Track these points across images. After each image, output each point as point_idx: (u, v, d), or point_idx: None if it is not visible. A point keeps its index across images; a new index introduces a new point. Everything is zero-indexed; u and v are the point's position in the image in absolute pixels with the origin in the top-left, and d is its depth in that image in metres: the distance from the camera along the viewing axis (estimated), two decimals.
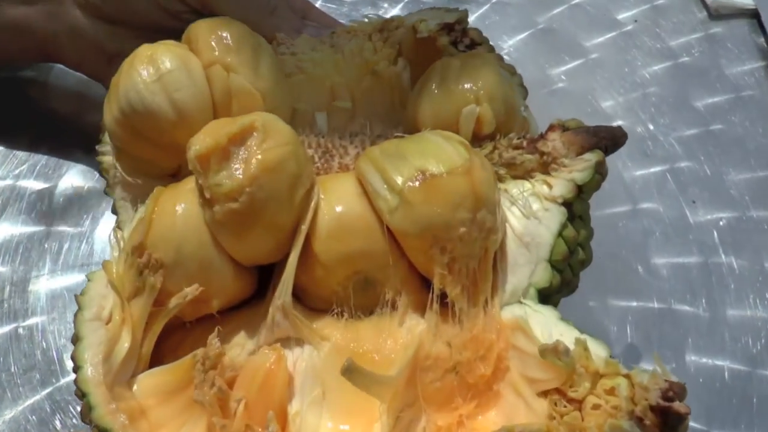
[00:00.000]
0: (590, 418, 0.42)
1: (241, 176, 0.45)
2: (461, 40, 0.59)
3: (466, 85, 0.54)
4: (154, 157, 0.53)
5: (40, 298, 0.63)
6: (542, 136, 0.53)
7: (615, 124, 0.70)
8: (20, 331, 0.61)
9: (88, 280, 0.50)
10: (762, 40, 0.83)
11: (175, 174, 0.55)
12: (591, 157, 0.51)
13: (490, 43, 0.61)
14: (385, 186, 0.47)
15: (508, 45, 0.81)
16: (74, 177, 0.72)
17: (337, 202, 0.49)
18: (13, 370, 0.59)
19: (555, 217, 0.51)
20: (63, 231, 0.68)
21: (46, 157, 0.73)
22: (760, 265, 0.63)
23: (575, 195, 0.51)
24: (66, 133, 0.74)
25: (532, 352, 0.46)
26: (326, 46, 0.61)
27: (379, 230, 0.48)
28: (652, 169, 0.71)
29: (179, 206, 0.47)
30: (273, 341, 0.49)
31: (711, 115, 0.76)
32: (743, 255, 0.64)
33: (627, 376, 0.42)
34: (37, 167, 0.72)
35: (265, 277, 0.51)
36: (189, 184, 0.49)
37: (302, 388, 0.47)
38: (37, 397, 0.58)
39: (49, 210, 0.69)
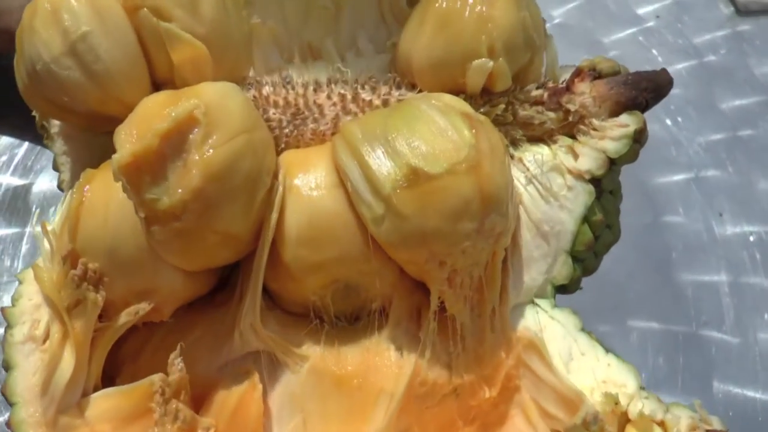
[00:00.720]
0: None
1: (181, 190, 0.35)
2: None
3: (479, 30, 0.40)
4: (81, 122, 0.44)
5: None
6: (568, 87, 0.43)
7: None
8: None
9: (19, 283, 0.42)
10: None
11: None
12: (629, 122, 0.41)
13: None
14: (369, 188, 0.37)
15: None
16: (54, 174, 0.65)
17: (309, 197, 0.38)
18: None
19: (580, 198, 0.41)
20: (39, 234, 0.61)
21: (24, 150, 0.65)
22: None
23: (607, 170, 0.42)
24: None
25: (547, 380, 0.39)
26: None
27: (358, 229, 0.38)
28: (676, 177, 0.64)
29: (111, 199, 0.38)
30: (243, 354, 0.41)
31: (739, 118, 0.68)
32: None
33: (661, 424, 0.35)
34: (14, 162, 0.65)
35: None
36: None
37: (279, 416, 0.40)
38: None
39: (25, 210, 0.62)
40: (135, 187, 0.36)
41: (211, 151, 0.36)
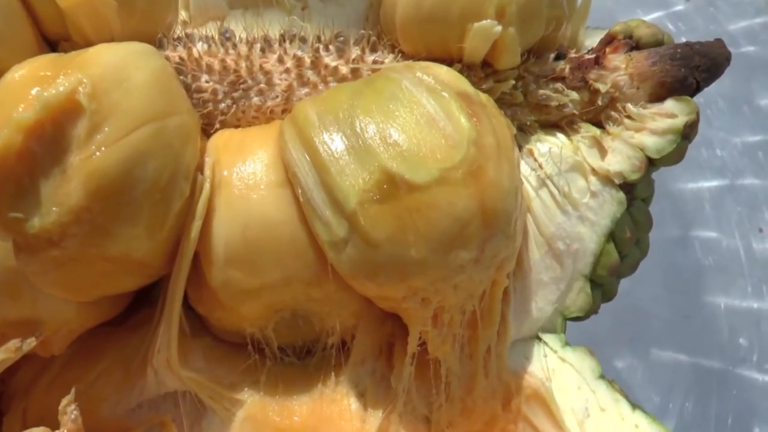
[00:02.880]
0: None
1: (57, 209, 0.25)
2: None
3: None
4: None
5: None
6: (598, 59, 0.32)
7: None
8: None
9: None
10: None
11: None
12: (677, 111, 0.31)
13: None
14: (327, 199, 0.26)
15: None
16: None
17: (244, 198, 0.28)
18: None
19: (606, 208, 0.32)
20: None
21: None
22: None
23: (643, 174, 0.32)
24: None
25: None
26: None
27: (311, 243, 0.28)
28: (707, 184, 0.56)
29: None
30: (160, 395, 0.32)
31: None
32: None
33: None
34: None
35: None
36: None
37: None
38: None
39: None
40: None
41: (99, 152, 0.25)
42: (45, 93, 0.25)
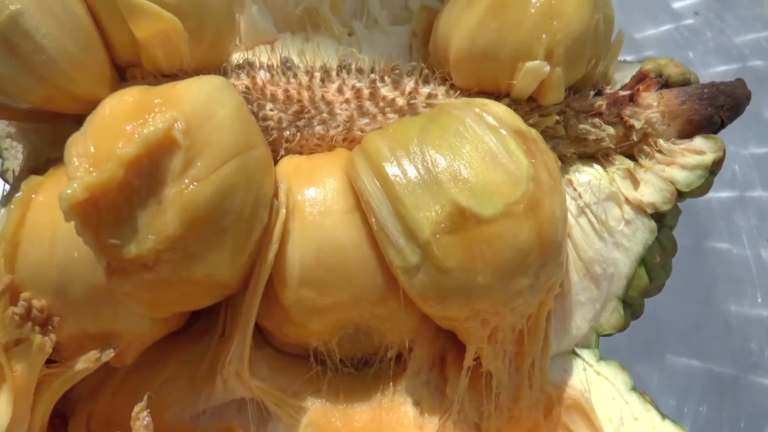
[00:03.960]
0: None
1: (154, 237, 0.27)
2: None
3: (540, 20, 0.32)
4: (25, 119, 0.35)
5: None
6: (632, 95, 0.35)
7: None
8: None
9: None
10: None
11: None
12: (705, 149, 0.34)
13: None
14: (401, 229, 0.29)
15: None
16: None
17: (317, 225, 0.30)
18: None
19: (639, 235, 0.35)
20: None
21: None
22: None
23: (673, 205, 0.35)
24: None
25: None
26: None
27: (378, 266, 0.31)
28: (719, 195, 0.59)
29: (59, 224, 0.30)
30: (225, 402, 0.34)
31: None
32: None
33: None
34: None
35: None
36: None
37: None
38: None
39: None
40: (92, 231, 0.27)
41: (193, 185, 0.27)
42: (144, 130, 0.27)
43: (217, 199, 0.28)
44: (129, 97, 0.30)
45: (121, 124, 0.28)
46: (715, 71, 0.67)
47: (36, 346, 0.32)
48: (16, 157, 0.39)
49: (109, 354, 0.32)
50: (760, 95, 0.66)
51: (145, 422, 0.33)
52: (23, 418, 0.33)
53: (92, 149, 0.27)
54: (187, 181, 0.28)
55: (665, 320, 0.53)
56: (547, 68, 0.33)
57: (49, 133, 0.37)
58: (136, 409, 0.33)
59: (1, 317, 0.32)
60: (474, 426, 0.33)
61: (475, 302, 0.29)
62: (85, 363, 0.33)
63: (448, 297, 0.29)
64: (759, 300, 0.54)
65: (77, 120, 0.34)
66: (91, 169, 0.27)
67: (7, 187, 0.40)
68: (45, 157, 0.37)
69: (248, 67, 0.36)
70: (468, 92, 0.35)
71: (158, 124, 0.27)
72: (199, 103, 0.29)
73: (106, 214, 0.28)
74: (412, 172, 0.29)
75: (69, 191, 0.27)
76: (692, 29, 0.71)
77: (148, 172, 0.27)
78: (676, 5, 0.73)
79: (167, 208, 0.27)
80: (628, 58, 0.70)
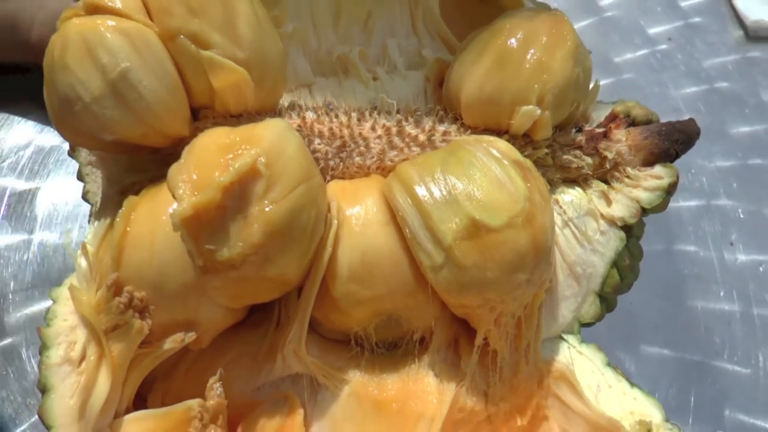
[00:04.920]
0: None
1: (242, 244, 0.36)
2: None
3: (532, 77, 0.42)
4: (116, 150, 0.43)
5: (18, 317, 0.56)
6: (605, 132, 0.45)
7: None
8: None
9: (52, 301, 0.42)
10: None
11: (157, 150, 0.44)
12: (663, 175, 0.44)
13: None
14: (429, 237, 0.38)
15: None
16: (60, 179, 0.63)
17: (361, 234, 0.40)
18: None
19: (611, 243, 0.44)
20: (46, 240, 0.60)
21: (31, 153, 0.65)
22: None
23: (638, 219, 0.44)
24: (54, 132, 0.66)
25: (578, 410, 0.42)
26: None
27: (409, 266, 0.40)
28: (688, 204, 0.65)
29: (156, 232, 0.38)
30: (282, 377, 0.43)
31: (749, 146, 0.70)
32: None
33: None
34: (20, 165, 0.64)
35: None
36: (166, 196, 0.38)
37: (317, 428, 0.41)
38: None
39: (31, 215, 0.61)
40: (194, 239, 0.35)
41: (272, 205, 0.36)
42: (236, 163, 0.35)
43: (290, 216, 0.36)
44: (219, 136, 0.38)
45: (216, 158, 0.36)
46: (685, 92, 0.74)
47: (135, 329, 0.39)
48: (95, 181, 0.46)
49: (191, 336, 0.39)
50: (725, 114, 0.72)
51: (218, 392, 0.40)
52: (118, 391, 0.40)
53: (194, 177, 0.36)
54: (267, 202, 0.36)
55: (640, 314, 0.59)
56: (539, 111, 0.42)
57: (126, 161, 0.45)
58: (211, 381, 0.40)
59: (107, 306, 0.39)
60: (482, 393, 0.42)
61: (485, 293, 0.38)
62: (172, 343, 0.40)
63: (466, 289, 0.38)
64: (722, 295, 0.61)
65: (154, 152, 0.44)
66: (195, 192, 0.35)
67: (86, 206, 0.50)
68: (121, 182, 0.45)
69: (298, 108, 0.45)
70: (476, 129, 0.44)
71: (246, 159, 0.36)
72: (274, 142, 0.37)
73: (205, 226, 0.36)
74: (437, 193, 0.38)
75: (179, 209, 0.35)
76: (666, 53, 0.79)
77: (238, 195, 0.36)
78: (651, 31, 0.81)
79: (253, 222, 0.36)
80: (609, 80, 0.74)
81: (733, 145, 0.71)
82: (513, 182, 0.38)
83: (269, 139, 0.37)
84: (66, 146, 0.65)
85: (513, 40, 0.42)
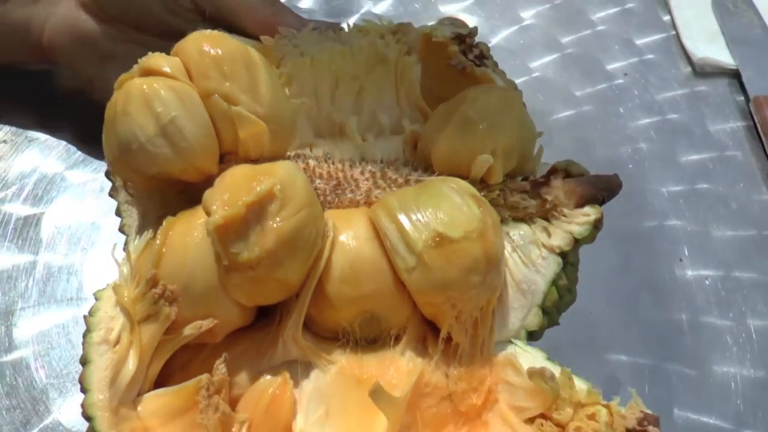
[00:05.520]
0: None
1: (258, 249, 0.50)
2: (471, 50, 0.67)
3: (488, 137, 0.59)
4: (159, 185, 0.58)
5: (26, 332, 0.65)
6: (546, 181, 0.61)
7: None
8: (3, 366, 0.63)
9: (96, 299, 0.55)
10: (742, 99, 0.93)
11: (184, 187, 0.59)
12: (590, 213, 0.60)
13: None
14: (404, 246, 0.53)
15: None
16: (63, 205, 0.75)
17: (351, 246, 0.55)
18: None
19: (551, 266, 0.60)
20: (50, 262, 0.71)
21: (35, 180, 0.77)
22: (744, 324, 0.69)
23: (572, 247, 0.59)
24: (59, 156, 0.79)
25: (520, 384, 0.54)
26: (333, 42, 0.66)
27: (389, 273, 0.54)
28: (643, 224, 0.79)
29: (189, 243, 0.52)
30: (281, 362, 0.55)
31: (696, 172, 0.82)
32: (727, 314, 0.71)
33: (607, 406, 0.51)
34: (25, 192, 0.76)
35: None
36: (198, 218, 0.53)
37: (307, 407, 0.54)
38: None
39: (36, 238, 0.72)
40: (223, 243, 0.50)
41: (283, 222, 0.51)
42: (258, 187, 0.50)
43: (296, 230, 0.51)
44: (245, 170, 0.53)
45: (243, 184, 0.51)
46: (640, 123, 0.88)
47: (164, 315, 0.51)
48: (130, 215, 0.60)
49: (209, 323, 0.52)
50: (675, 143, 0.86)
51: (222, 371, 0.53)
52: (143, 371, 0.52)
53: (225, 197, 0.51)
54: (279, 218, 0.50)
55: (600, 324, 0.70)
56: (491, 161, 0.58)
57: (158, 199, 0.60)
58: (217, 362, 0.53)
59: (144, 296, 0.51)
60: (444, 374, 0.55)
61: (448, 290, 0.52)
62: (191, 329, 0.52)
63: (432, 286, 0.52)
64: (673, 306, 0.73)
65: (182, 190, 0.58)
66: (226, 207, 0.50)
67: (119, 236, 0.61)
68: (154, 215, 0.59)
69: (303, 156, 0.61)
70: (444, 174, 0.60)
71: (266, 185, 0.51)
72: (286, 175, 0.52)
73: (232, 233, 0.50)
74: (411, 214, 0.53)
75: (213, 219, 0.50)
76: (622, 87, 0.91)
77: (258, 211, 0.50)
78: (609, 67, 0.96)
79: (268, 233, 0.50)
80: (571, 111, 0.86)
81: (682, 172, 0.82)
82: (470, 208, 0.54)
83: (283, 173, 0.53)
84: (68, 173, 0.78)
85: (472, 111, 0.59)
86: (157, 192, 0.59)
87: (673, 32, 0.99)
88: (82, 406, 0.51)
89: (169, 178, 0.57)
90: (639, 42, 0.98)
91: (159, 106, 0.54)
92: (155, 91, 0.55)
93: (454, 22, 0.68)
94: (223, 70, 0.58)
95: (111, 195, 0.62)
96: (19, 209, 0.75)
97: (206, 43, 0.59)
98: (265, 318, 0.58)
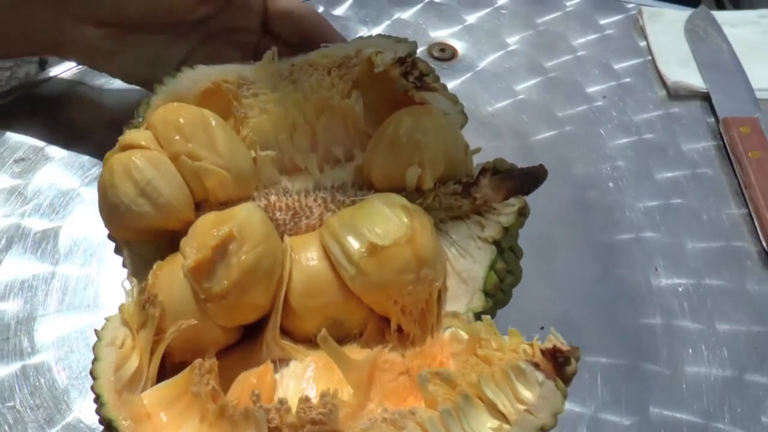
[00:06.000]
0: (495, 365, 0.59)
1: (226, 282, 0.64)
2: (411, 71, 0.80)
3: (413, 152, 0.72)
4: (147, 237, 0.73)
5: (47, 338, 0.74)
6: (475, 181, 0.72)
7: (588, 192, 0.90)
8: (27, 369, 0.71)
9: (106, 320, 0.67)
10: (713, 120, 1.05)
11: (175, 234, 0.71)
12: (515, 203, 0.72)
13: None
14: (345, 258, 0.66)
15: (487, 111, 0.99)
16: (80, 218, 0.87)
17: (307, 265, 0.68)
18: (18, 407, 0.69)
19: (486, 254, 0.72)
20: (68, 272, 0.80)
21: (52, 196, 0.85)
22: (713, 328, 0.77)
23: (503, 235, 0.71)
24: (75, 173, 0.89)
25: (462, 351, 0.65)
26: (287, 83, 0.82)
27: (340, 284, 0.67)
28: (621, 237, 0.86)
29: (174, 282, 0.66)
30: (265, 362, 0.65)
31: (670, 188, 0.89)
32: (698, 319, 0.78)
33: (530, 344, 0.60)
34: (43, 206, 0.84)
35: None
36: (179, 261, 0.67)
37: (287, 384, 0.67)
38: None
39: (54, 249, 0.80)
40: (197, 281, 0.63)
41: (243, 256, 0.64)
42: (219, 231, 0.63)
43: (256, 262, 0.63)
44: (209, 218, 0.66)
45: (209, 231, 0.65)
46: (618, 142, 0.97)
47: (150, 316, 0.63)
48: (131, 262, 0.73)
49: (189, 323, 0.64)
50: (650, 161, 0.95)
51: (212, 358, 0.65)
52: (143, 370, 0.64)
53: (195, 243, 0.64)
54: (240, 254, 0.63)
55: (581, 328, 0.77)
56: (419, 171, 0.71)
57: (151, 247, 0.74)
58: (208, 353, 0.66)
59: (138, 306, 0.65)
60: (401, 354, 0.67)
61: (386, 290, 0.64)
62: (173, 332, 0.64)
63: (372, 289, 0.65)
64: (648, 311, 0.81)
65: (171, 238, 0.73)
66: (196, 251, 0.63)
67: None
68: (147, 261, 0.72)
69: (266, 194, 0.76)
70: (384, 191, 0.72)
71: (225, 229, 0.64)
72: (243, 217, 0.65)
73: (203, 272, 0.63)
74: (349, 231, 0.65)
75: (186, 263, 0.63)
76: (601, 109, 1.01)
77: (222, 251, 0.63)
78: (588, 90, 1.06)
79: (232, 268, 0.63)
80: (554, 132, 0.97)
81: (657, 188, 0.90)
82: (398, 217, 0.66)
83: (242, 216, 0.66)
84: (82, 190, 0.89)
85: (395, 131, 0.73)
86: (149, 242, 0.75)
87: (649, 57, 1.11)
88: (92, 388, 0.62)
89: (156, 229, 0.71)
90: (617, 66, 1.10)
91: (137, 173, 0.70)
92: (132, 162, 0.71)
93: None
94: (185, 134, 0.74)
95: (116, 252, 0.77)
96: (37, 223, 0.85)
97: (169, 115, 0.76)
98: (252, 336, 0.72)
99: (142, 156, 0.72)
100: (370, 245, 0.67)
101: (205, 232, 0.67)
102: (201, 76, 0.84)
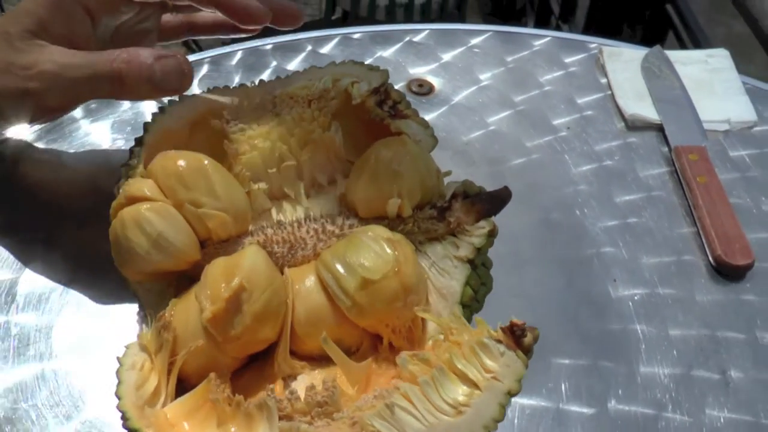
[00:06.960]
0: (464, 345, 0.68)
1: (241, 327, 0.71)
2: (385, 101, 0.87)
3: (392, 182, 0.79)
4: (158, 278, 0.80)
5: (64, 343, 0.78)
6: (449, 206, 0.81)
7: (554, 213, 0.95)
8: (46, 372, 0.76)
9: (126, 348, 0.74)
10: (666, 149, 1.13)
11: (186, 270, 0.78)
12: (485, 225, 0.80)
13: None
14: (341, 292, 0.74)
15: (462, 141, 1.03)
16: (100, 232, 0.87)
17: (308, 297, 0.76)
18: (39, 404, 0.73)
19: (461, 272, 0.80)
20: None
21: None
22: (665, 333, 0.83)
23: (475, 254, 0.79)
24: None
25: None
26: (270, 115, 0.87)
27: (335, 312, 0.75)
28: (584, 253, 0.92)
29: (189, 318, 0.73)
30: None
31: (628, 210, 0.97)
32: (652, 324, 0.85)
33: (495, 331, 0.62)
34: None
35: None
36: (192, 296, 0.74)
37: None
38: (63, 428, 0.72)
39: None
40: (215, 329, 0.70)
41: (254, 303, 0.71)
42: (231, 283, 0.71)
43: (265, 306, 0.70)
44: (218, 267, 0.74)
45: (220, 280, 0.72)
46: (581, 169, 1.00)
47: (165, 340, 0.66)
48: (145, 299, 0.80)
49: (198, 343, 0.67)
50: (611, 186, 1.01)
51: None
52: (162, 389, 0.65)
53: (209, 293, 0.71)
54: (251, 302, 0.70)
55: (547, 335, 0.72)
56: (399, 201, 0.79)
57: (162, 284, 0.80)
58: (211, 375, 0.66)
59: (155, 332, 0.72)
60: (393, 363, 0.74)
61: (378, 316, 0.72)
62: (186, 354, 0.66)
63: (367, 317, 0.73)
64: (607, 318, 0.87)
65: (180, 274, 0.81)
66: (210, 303, 0.71)
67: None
68: (161, 297, 0.79)
69: (262, 228, 0.82)
70: (368, 220, 0.79)
71: (236, 281, 0.71)
72: (249, 266, 0.72)
73: (220, 321, 0.70)
74: (342, 266, 0.74)
75: (204, 315, 0.70)
76: (565, 139, 1.06)
77: (235, 301, 0.70)
78: (554, 122, 1.10)
79: (245, 314, 0.70)
80: (522, 159, 1.01)
81: (616, 210, 0.97)
82: (384, 251, 0.74)
83: (246, 265, 0.73)
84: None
85: (375, 164, 0.80)
86: (160, 280, 0.82)
87: (609, 92, 1.18)
88: (118, 407, 0.69)
89: (167, 271, 0.79)
90: (580, 101, 1.17)
91: (148, 226, 0.77)
92: (143, 215, 0.77)
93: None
94: (186, 183, 0.80)
95: (129, 288, 0.84)
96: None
97: (168, 163, 0.81)
98: (261, 356, 0.80)
99: (151, 208, 0.79)
100: (362, 280, 0.75)
101: (216, 284, 0.69)
102: (187, 110, 0.90)
